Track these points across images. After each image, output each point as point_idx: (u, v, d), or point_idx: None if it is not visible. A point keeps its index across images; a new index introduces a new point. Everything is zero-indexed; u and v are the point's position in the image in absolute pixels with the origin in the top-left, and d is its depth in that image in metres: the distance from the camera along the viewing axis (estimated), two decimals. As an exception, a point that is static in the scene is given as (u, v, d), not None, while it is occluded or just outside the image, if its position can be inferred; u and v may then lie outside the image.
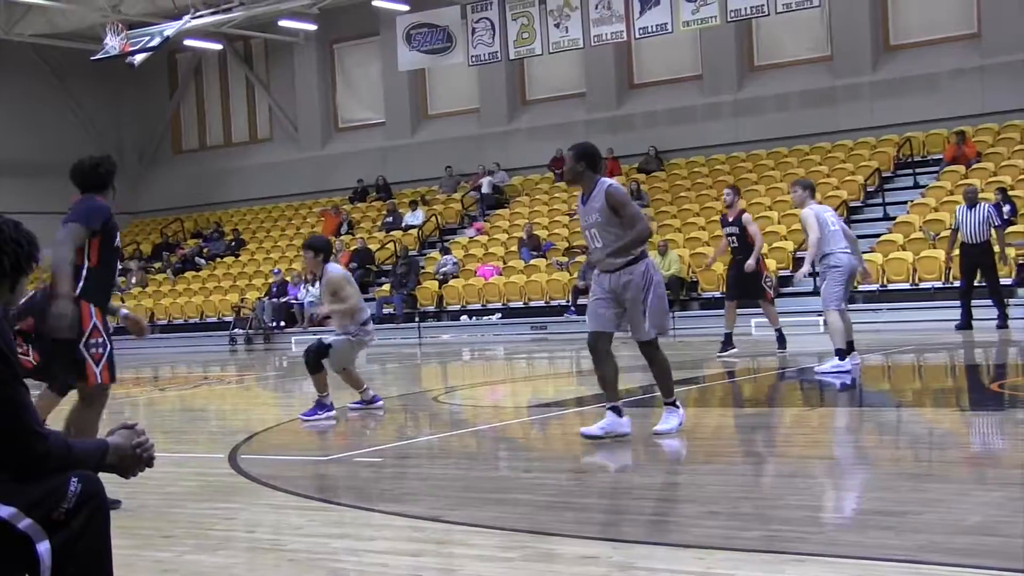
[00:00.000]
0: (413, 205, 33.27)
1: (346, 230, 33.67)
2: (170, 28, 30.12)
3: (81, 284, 6.72)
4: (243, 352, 29.27)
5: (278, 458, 9.04)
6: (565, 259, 26.52)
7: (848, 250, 12.77)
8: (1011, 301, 20.73)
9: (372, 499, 6.99)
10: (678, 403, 8.83)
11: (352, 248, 31.65)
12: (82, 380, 6.85)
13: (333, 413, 10.96)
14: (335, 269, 11.15)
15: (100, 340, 6.77)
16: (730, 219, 16.59)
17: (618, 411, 8.60)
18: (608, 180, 8.58)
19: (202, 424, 12.77)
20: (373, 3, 32.01)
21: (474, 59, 29.81)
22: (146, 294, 34.43)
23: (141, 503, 6.84)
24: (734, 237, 16.36)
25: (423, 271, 30.14)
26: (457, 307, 28.52)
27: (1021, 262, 21.56)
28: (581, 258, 26.23)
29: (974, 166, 25.56)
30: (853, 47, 29.07)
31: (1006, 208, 22.50)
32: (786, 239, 25.43)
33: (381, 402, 11.70)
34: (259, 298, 31.17)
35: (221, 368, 23.04)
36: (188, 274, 35.26)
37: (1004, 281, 20.55)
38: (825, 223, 12.67)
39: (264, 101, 39.04)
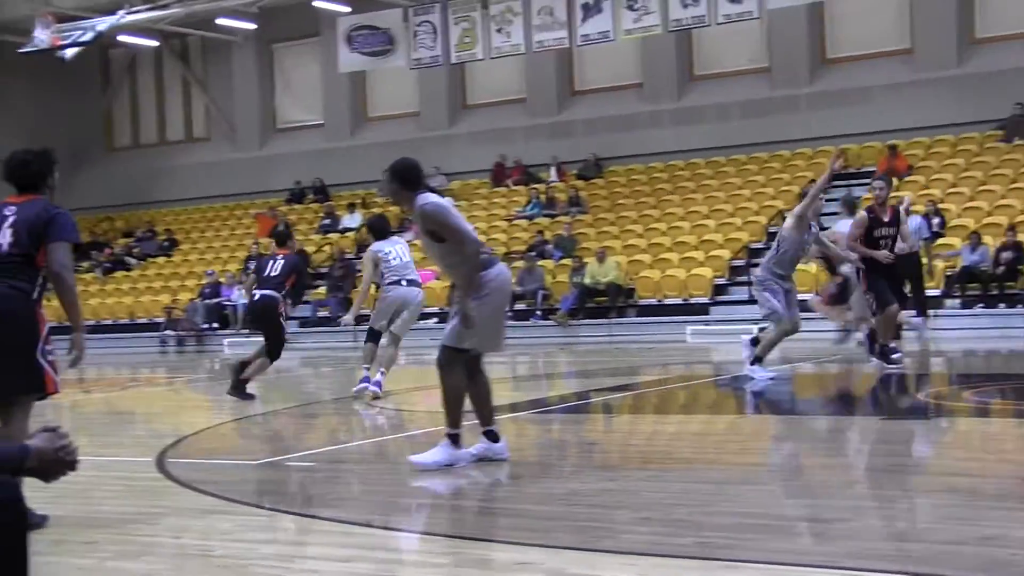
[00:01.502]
0: (351, 208, 33.16)
1: (282, 232, 33.45)
2: (103, 23, 29.78)
3: (37, 291, 6.40)
4: (174, 354, 29.01)
5: (207, 462, 8.96)
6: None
7: None
8: (939, 312, 21.01)
9: (304, 504, 6.95)
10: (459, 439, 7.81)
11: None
12: (37, 389, 6.41)
13: None
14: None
15: (52, 347, 6.51)
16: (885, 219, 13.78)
17: (456, 440, 7.79)
18: (425, 199, 7.71)
19: (129, 427, 12.63)
20: (314, 3, 31.85)
21: (415, 62, 29.75)
22: (76, 293, 33.98)
23: (63, 508, 6.73)
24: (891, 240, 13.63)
25: (359, 274, 30.00)
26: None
27: (949, 273, 21.86)
28: (519, 263, 26.28)
29: (906, 178, 25.90)
30: (791, 59, 29.39)
31: (936, 221, 22.82)
32: (723, 247, 25.62)
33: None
34: (192, 299, 30.91)
35: (151, 370, 22.82)
36: (118, 274, 34.87)
37: (932, 293, 20.80)
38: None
39: (201, 100, 38.74)
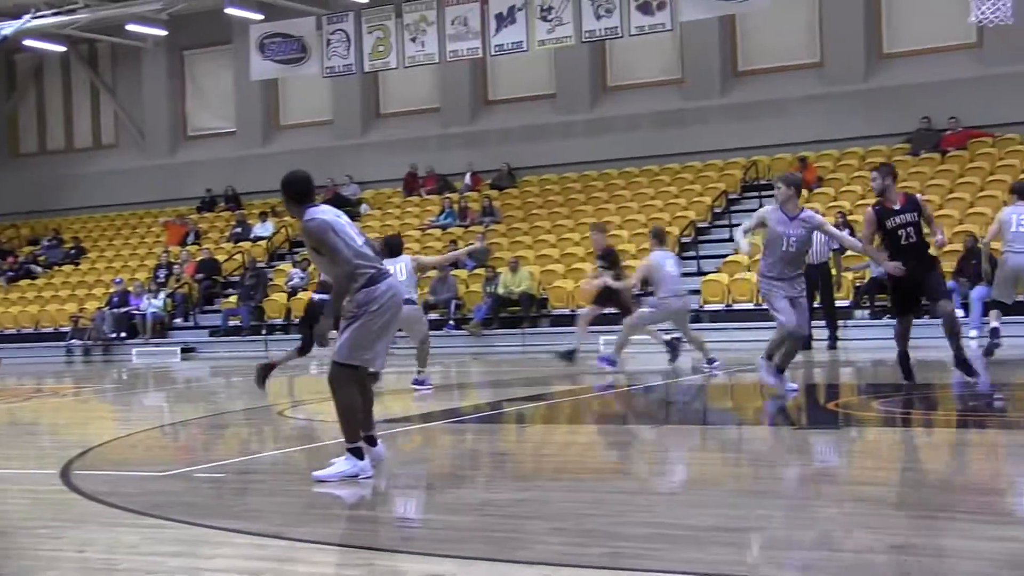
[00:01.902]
0: (263, 216, 32.88)
1: (193, 240, 33.11)
2: (9, 27, 29.25)
3: None
4: (81, 364, 28.55)
5: (114, 474, 8.81)
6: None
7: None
8: (848, 322, 21.28)
9: (212, 516, 6.85)
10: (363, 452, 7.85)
11: (199, 258, 31.14)
12: None
13: None
14: None
15: None
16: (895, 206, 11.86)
17: (359, 453, 7.82)
18: (311, 214, 7.74)
19: (33, 439, 12.37)
20: (226, 11, 31.55)
21: (328, 71, 29.59)
22: (-21, 302, 33.35)
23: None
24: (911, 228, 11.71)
25: (272, 283, 29.79)
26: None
27: (858, 284, 22.18)
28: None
29: (816, 190, 26.24)
30: (703, 71, 29.67)
31: (845, 232, 23.10)
32: (636, 257, 25.71)
33: None
34: (99, 308, 30.44)
35: (56, 380, 22.42)
36: (23, 282, 34.23)
37: (841, 303, 21.09)
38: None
39: (109, 106, 38.19)
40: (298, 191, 7.88)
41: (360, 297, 7.72)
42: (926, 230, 11.86)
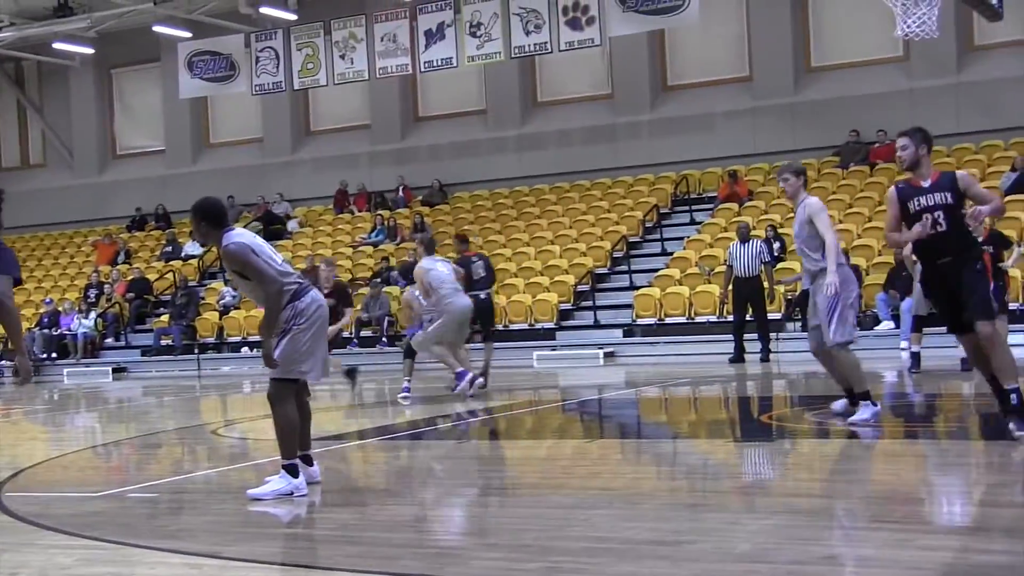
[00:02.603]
0: (193, 235, 32.57)
1: (123, 259, 32.78)
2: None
3: None
4: (10, 385, 28.12)
5: (46, 495, 8.69)
6: (708, 268, 24.99)
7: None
8: (781, 334, 21.47)
9: (145, 536, 6.77)
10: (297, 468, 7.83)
11: (129, 278, 30.82)
12: None
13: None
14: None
15: None
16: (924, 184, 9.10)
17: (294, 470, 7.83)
18: (229, 238, 7.74)
19: None
20: (154, 28, 31.33)
21: (258, 88, 29.44)
22: (-94, 324, 32.75)
23: None
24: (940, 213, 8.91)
25: (203, 302, 29.55)
26: (238, 339, 28.02)
27: (789, 297, 22.38)
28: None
29: (746, 204, 26.49)
30: (633, 86, 29.85)
31: (776, 245, 23.34)
32: (568, 272, 25.84)
33: None
34: (29, 329, 30.00)
35: (-13, 402, 22.07)
36: (-48, 303, 33.69)
37: (773, 316, 21.27)
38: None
39: (37, 125, 37.75)
40: (215, 215, 7.88)
41: (286, 313, 7.74)
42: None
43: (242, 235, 7.85)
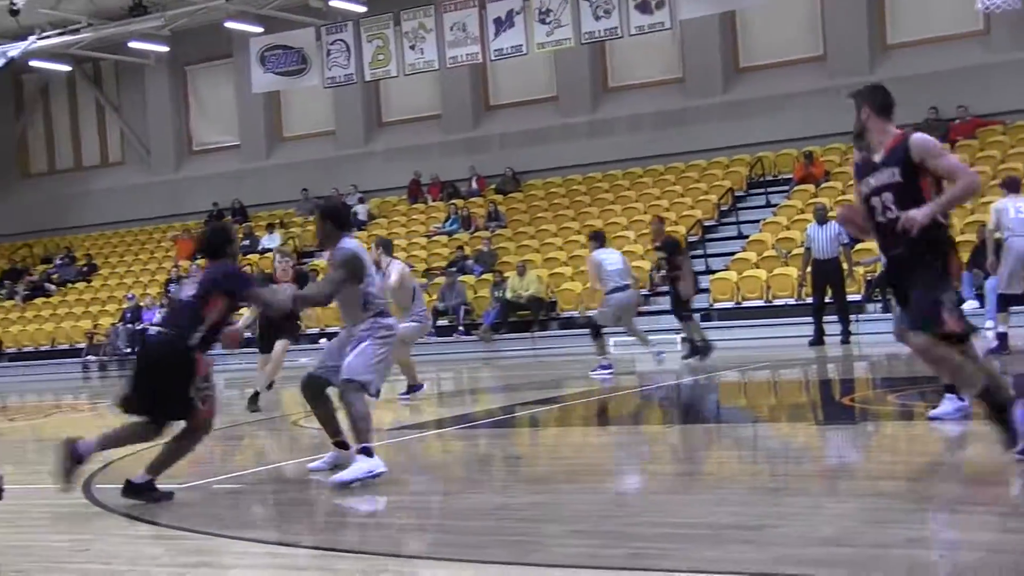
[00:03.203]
0: (270, 228, 32.94)
1: (201, 254, 33.14)
2: (14, 49, 29.39)
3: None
4: (97, 380, 28.61)
5: (134, 488, 8.82)
6: (785, 250, 25.25)
7: None
8: (861, 316, 21.26)
9: (230, 526, 6.87)
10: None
11: (208, 272, 31.16)
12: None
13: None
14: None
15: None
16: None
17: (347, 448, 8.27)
18: (346, 243, 8.11)
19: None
20: (226, 24, 31.66)
21: (329, 81, 29.66)
22: (-8, 322, 33.46)
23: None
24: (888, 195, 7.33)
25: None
26: (316, 330, 28.27)
27: (869, 278, 22.15)
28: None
29: (823, 185, 26.21)
30: (704, 69, 29.63)
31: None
32: (643, 259, 25.74)
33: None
34: (113, 324, 30.51)
35: (74, 396, 22.47)
36: (38, 300, 34.34)
37: (853, 297, 21.05)
38: None
39: (115, 124, 38.29)
40: (341, 218, 8.33)
41: (367, 324, 8.07)
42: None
43: (356, 243, 8.25)
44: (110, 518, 7.28)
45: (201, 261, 32.13)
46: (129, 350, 29.78)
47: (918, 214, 6.79)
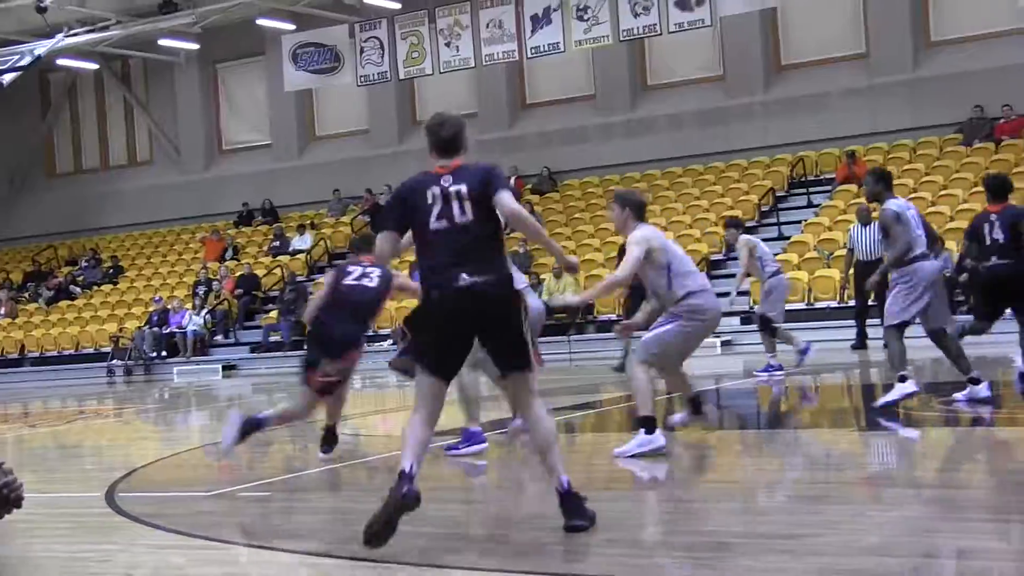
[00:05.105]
0: (301, 229, 33.03)
1: (231, 255, 33.29)
2: (41, 47, 29.55)
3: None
4: (122, 384, 28.76)
5: (159, 495, 8.85)
6: (827, 252, 24.34)
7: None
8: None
9: (258, 535, 6.87)
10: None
11: (238, 274, 31.30)
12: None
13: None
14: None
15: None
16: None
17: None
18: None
19: (76, 461, 12.47)
20: (258, 22, 31.77)
21: (363, 79, 29.72)
22: (16, 325, 33.63)
23: (10, 548, 6.62)
24: None
25: (312, 297, 29.86)
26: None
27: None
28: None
29: (866, 185, 26.01)
30: (745, 67, 29.52)
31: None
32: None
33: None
34: (139, 327, 30.64)
35: (98, 402, 22.59)
36: (62, 303, 34.52)
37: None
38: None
39: (143, 123, 38.48)
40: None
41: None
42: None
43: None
44: (134, 527, 7.28)
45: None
46: (155, 354, 29.92)
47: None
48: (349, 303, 9.37)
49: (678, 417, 9.75)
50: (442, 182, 6.40)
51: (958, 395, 10.90)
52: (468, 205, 6.30)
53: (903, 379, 10.61)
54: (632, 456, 8.68)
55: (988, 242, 11.34)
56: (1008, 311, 11.63)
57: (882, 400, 10.85)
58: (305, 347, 10.82)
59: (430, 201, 6.32)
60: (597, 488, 7.98)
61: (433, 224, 6.31)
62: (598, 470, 8.98)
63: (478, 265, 6.19)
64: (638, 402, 8.80)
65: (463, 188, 6.39)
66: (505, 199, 6.37)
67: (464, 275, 6.12)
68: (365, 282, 9.41)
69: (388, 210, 6.85)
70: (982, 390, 10.73)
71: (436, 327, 6.22)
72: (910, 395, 10.71)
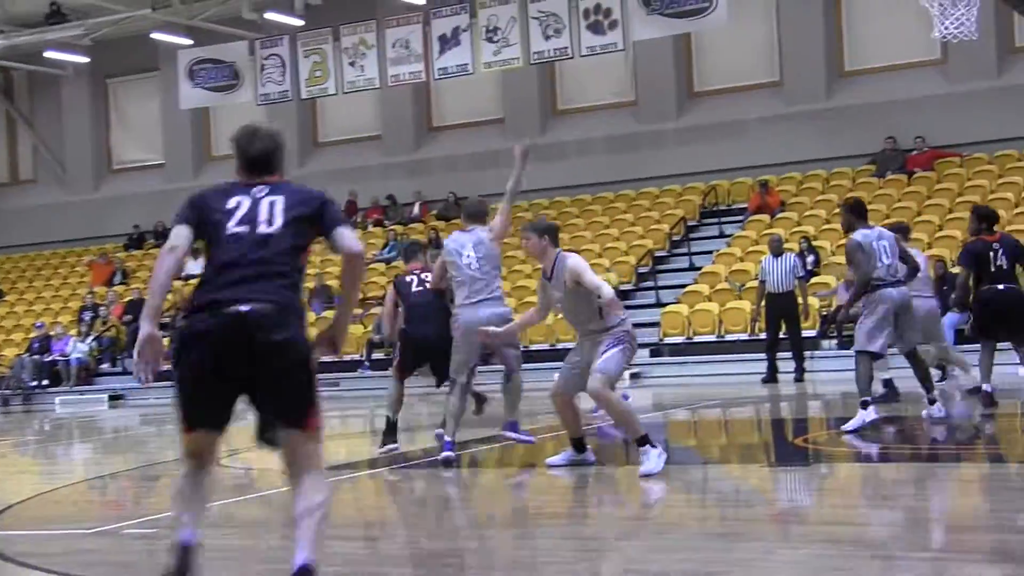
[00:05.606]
0: (196, 254, 32.32)
1: (120, 280, 32.85)
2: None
3: None
4: None
5: (36, 533, 8.68)
6: (739, 283, 24.47)
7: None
8: (815, 353, 21.40)
9: (144, 575, 6.77)
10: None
11: (127, 299, 30.89)
12: None
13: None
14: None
15: None
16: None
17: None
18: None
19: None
20: (152, 35, 31.47)
21: (263, 98, 29.56)
22: None
23: None
24: None
25: (378, 312, 29.44)
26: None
27: (824, 313, 22.30)
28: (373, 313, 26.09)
29: (778, 215, 26.39)
30: (658, 93, 29.81)
31: (810, 258, 23.28)
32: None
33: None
34: (18, 355, 30.10)
35: (-24, 432, 22.12)
36: (-61, 328, 33.83)
37: (808, 333, 21.16)
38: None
39: (27, 139, 37.92)
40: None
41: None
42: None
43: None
44: (6, 568, 7.12)
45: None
46: (35, 383, 29.35)
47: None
48: (420, 307, 11.75)
49: (559, 457, 10.12)
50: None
51: (924, 412, 12.05)
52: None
53: (864, 405, 11.42)
54: (649, 475, 9.13)
55: (993, 268, 12.68)
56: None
57: (847, 426, 11.54)
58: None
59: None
60: (503, 525, 7.99)
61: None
62: (500, 505, 8.98)
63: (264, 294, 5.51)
64: (627, 426, 9.53)
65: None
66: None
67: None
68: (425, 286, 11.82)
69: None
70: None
71: None
72: (872, 422, 11.48)
